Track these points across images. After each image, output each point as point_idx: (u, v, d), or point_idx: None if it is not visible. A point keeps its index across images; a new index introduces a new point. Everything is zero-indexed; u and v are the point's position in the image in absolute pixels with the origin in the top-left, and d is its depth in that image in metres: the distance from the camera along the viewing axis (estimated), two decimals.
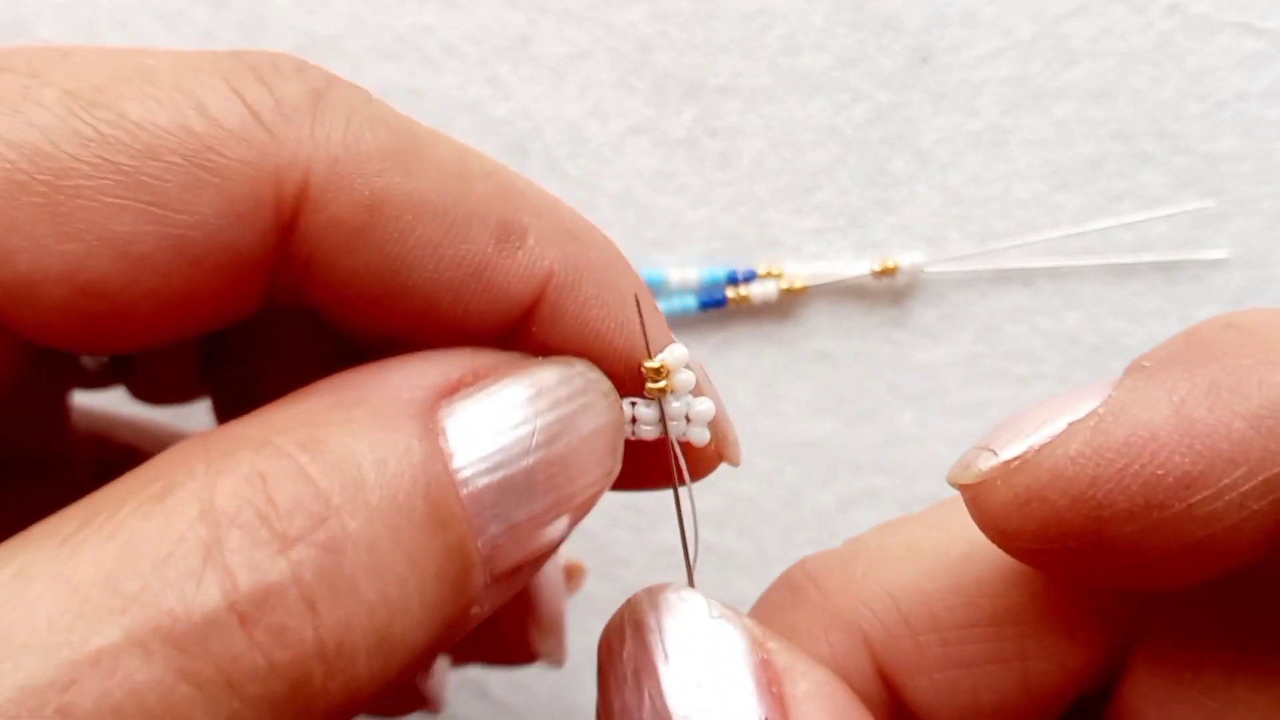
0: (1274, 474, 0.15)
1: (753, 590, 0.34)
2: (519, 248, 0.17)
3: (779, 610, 0.21)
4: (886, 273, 0.33)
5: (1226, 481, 0.15)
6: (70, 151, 0.15)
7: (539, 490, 0.17)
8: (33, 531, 0.14)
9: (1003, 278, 0.34)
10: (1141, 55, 0.33)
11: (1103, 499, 0.16)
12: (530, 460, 0.16)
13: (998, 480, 0.17)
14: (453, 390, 0.17)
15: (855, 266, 0.33)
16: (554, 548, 0.17)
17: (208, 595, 0.13)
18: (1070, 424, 0.17)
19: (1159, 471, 0.16)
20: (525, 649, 0.26)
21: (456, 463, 0.16)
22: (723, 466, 0.21)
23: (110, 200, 0.15)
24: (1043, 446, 0.17)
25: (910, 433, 0.34)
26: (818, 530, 0.33)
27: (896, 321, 0.34)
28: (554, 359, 0.18)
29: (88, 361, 0.23)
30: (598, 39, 0.34)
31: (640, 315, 0.19)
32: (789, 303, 0.34)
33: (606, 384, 0.18)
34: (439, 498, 0.15)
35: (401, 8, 0.33)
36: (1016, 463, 0.17)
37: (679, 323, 0.34)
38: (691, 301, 0.33)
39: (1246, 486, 0.15)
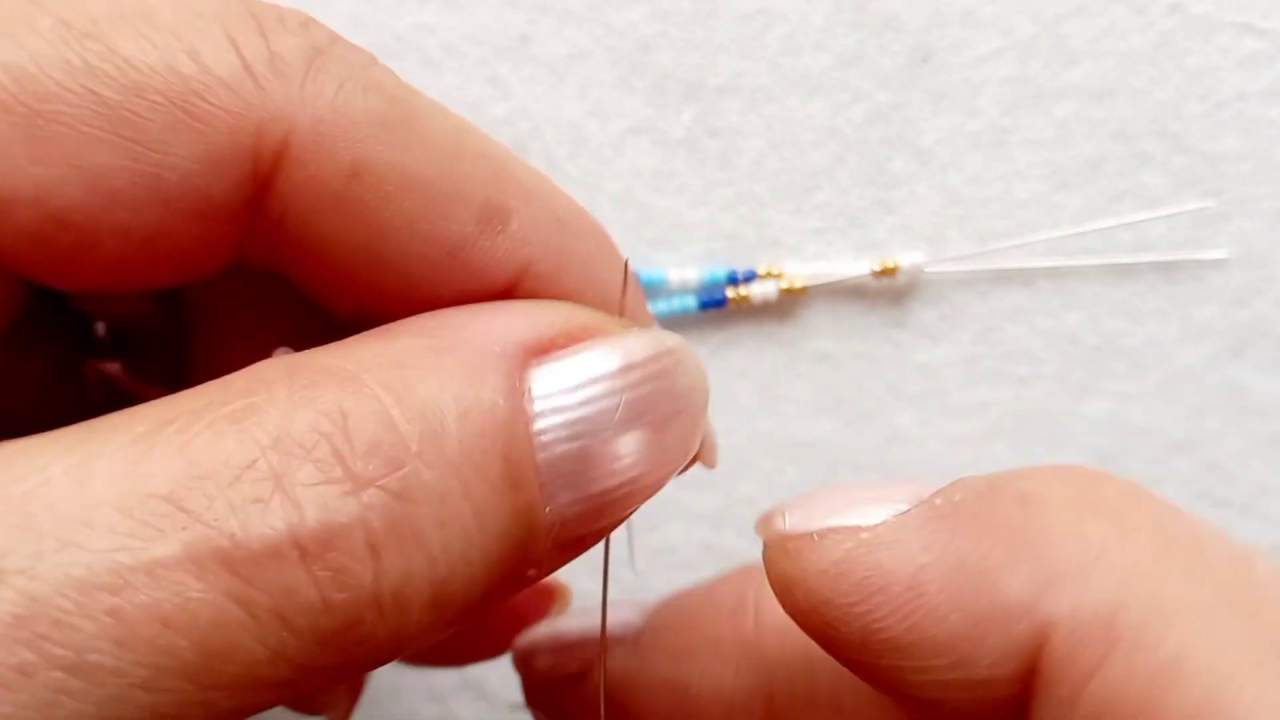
0: (966, 677, 0.15)
1: None
2: (500, 231, 0.17)
3: (707, 611, 0.21)
4: (886, 273, 0.33)
5: (929, 663, 0.16)
6: (56, 78, 0.15)
7: (616, 464, 0.16)
8: (100, 423, 0.14)
9: (1003, 278, 0.34)
10: (1142, 55, 0.33)
11: (830, 621, 0.16)
12: (611, 434, 0.16)
13: (773, 550, 0.17)
14: (545, 349, 0.16)
15: (855, 266, 0.33)
16: (620, 521, 0.17)
17: (271, 525, 0.13)
18: (843, 529, 0.17)
19: (876, 625, 0.16)
20: (505, 643, 0.26)
21: (537, 425, 0.16)
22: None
23: (88, 130, 0.15)
24: (810, 542, 0.17)
25: (910, 433, 0.34)
26: None
27: (896, 322, 0.34)
28: (649, 330, 0.17)
29: (100, 329, 0.23)
30: (598, 39, 0.34)
31: (624, 295, 0.18)
32: (789, 303, 0.34)
33: (699, 365, 0.18)
34: (515, 459, 0.15)
35: (401, 8, 0.33)
36: (790, 544, 0.17)
37: (679, 323, 0.34)
38: (691, 301, 0.33)
39: (945, 677, 0.16)
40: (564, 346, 0.16)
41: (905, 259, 0.33)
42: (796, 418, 0.34)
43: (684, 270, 0.33)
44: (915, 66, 0.34)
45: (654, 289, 0.33)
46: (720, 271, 0.33)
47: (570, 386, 0.16)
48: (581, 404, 0.16)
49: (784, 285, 0.33)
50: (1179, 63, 0.33)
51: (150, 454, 0.13)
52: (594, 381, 0.16)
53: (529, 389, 0.16)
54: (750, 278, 0.33)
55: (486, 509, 0.15)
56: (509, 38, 0.34)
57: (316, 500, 0.14)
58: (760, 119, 0.34)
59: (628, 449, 0.16)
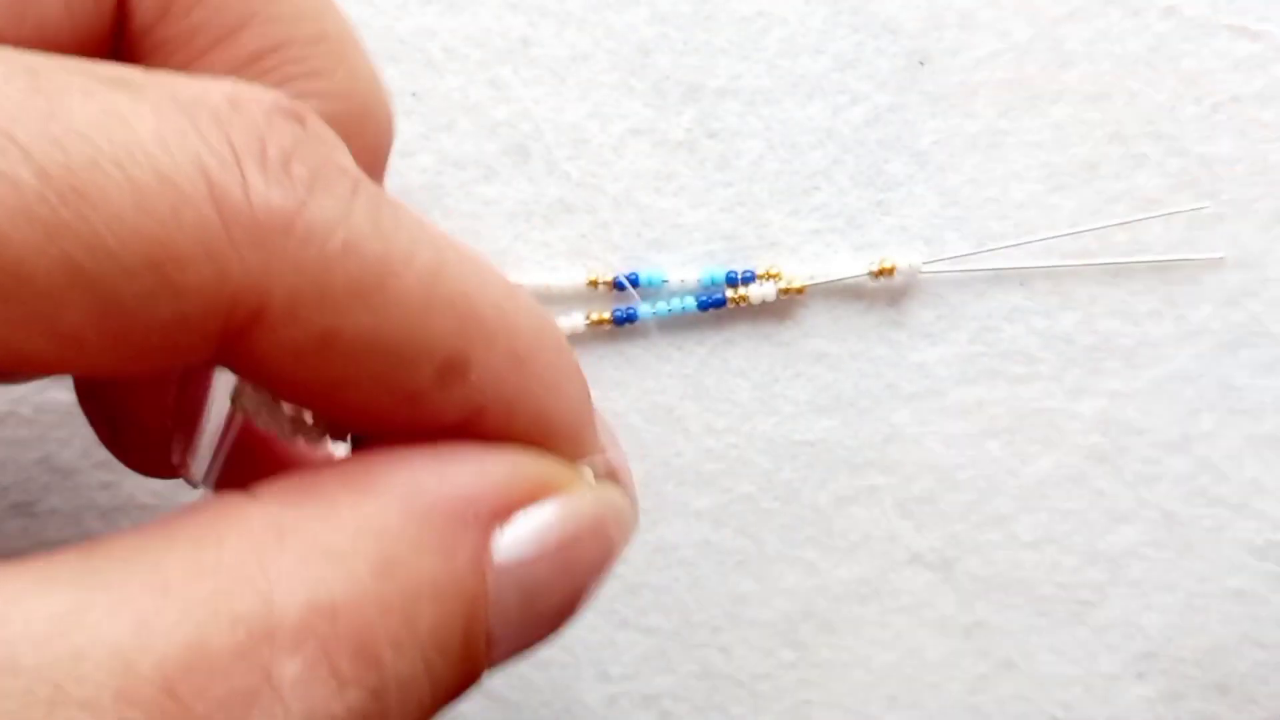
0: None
1: (752, 589, 0.34)
2: (457, 383, 0.17)
3: None
4: (884, 273, 0.33)
5: None
6: (33, 243, 0.14)
7: (554, 616, 0.18)
8: (93, 565, 0.14)
9: (1000, 278, 0.34)
10: (1137, 58, 0.34)
11: None
12: (556, 596, 0.17)
13: None
14: (507, 512, 0.17)
15: (853, 267, 0.34)
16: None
17: None
18: None
19: None
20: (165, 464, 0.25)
21: (492, 590, 0.17)
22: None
23: (61, 294, 0.14)
24: None
25: (908, 432, 0.34)
26: (816, 528, 0.34)
27: (894, 322, 0.34)
28: (593, 483, 0.18)
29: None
30: (598, 41, 0.34)
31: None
32: (787, 303, 0.34)
33: (632, 513, 0.19)
34: (473, 631, 0.16)
35: (403, 10, 0.34)
36: None
37: (679, 323, 0.34)
38: (691, 302, 0.34)
39: None
40: (523, 506, 0.17)
41: (903, 259, 0.33)
42: (795, 416, 0.34)
43: (683, 271, 0.34)
44: (913, 69, 0.34)
45: (654, 289, 0.34)
46: (719, 272, 0.34)
47: (527, 554, 0.17)
48: (533, 565, 0.17)
49: (782, 286, 0.33)
50: (1174, 65, 0.34)
51: (149, 627, 0.14)
52: (546, 544, 0.17)
53: (492, 557, 0.17)
54: (749, 278, 0.34)
55: (442, 680, 0.16)
56: (510, 40, 0.34)
57: (302, 701, 0.14)
58: (759, 121, 0.34)
59: (568, 602, 0.18)
